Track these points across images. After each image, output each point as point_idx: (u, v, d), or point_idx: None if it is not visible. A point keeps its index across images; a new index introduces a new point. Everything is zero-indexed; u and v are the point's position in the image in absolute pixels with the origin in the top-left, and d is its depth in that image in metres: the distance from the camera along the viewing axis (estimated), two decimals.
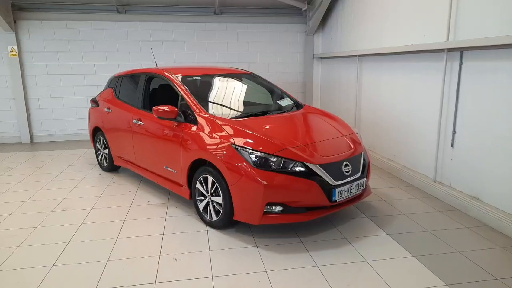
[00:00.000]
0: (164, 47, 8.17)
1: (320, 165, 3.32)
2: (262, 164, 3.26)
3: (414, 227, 3.69)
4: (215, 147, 3.51)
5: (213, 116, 3.84)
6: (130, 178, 5.35)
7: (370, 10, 6.14)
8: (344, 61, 7.30)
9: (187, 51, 8.31)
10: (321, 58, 8.54)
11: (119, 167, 5.61)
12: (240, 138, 3.45)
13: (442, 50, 4.32)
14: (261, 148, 3.33)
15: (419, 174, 4.92)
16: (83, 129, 8.09)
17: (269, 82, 5.09)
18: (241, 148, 3.35)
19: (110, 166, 5.57)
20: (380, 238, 3.47)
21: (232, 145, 3.40)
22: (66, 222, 3.90)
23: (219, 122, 3.71)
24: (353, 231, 3.62)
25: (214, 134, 3.61)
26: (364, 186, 3.70)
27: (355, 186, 3.54)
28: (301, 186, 3.23)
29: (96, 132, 5.81)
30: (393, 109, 5.52)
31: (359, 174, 3.63)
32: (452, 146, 4.34)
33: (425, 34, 4.68)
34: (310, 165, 3.29)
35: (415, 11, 4.88)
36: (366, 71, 6.37)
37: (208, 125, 3.73)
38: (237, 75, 4.95)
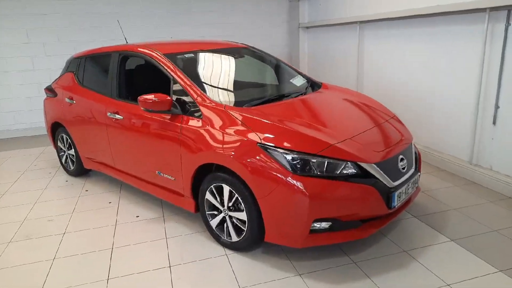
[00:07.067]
0: (131, 22, 6.91)
1: (375, 164, 2.54)
2: (302, 168, 2.43)
3: (477, 227, 3.05)
4: (232, 146, 2.63)
5: (222, 104, 2.92)
6: (106, 183, 4.34)
7: None
8: (338, 29, 6.46)
9: (156, 25, 7.11)
10: (307, 27, 7.66)
11: (90, 170, 4.55)
12: (267, 134, 2.58)
13: (483, 10, 3.62)
14: (298, 147, 2.48)
15: (449, 156, 4.30)
16: (37, 122, 6.80)
17: (272, 56, 4.17)
18: (271, 148, 2.49)
19: (79, 170, 4.51)
20: (446, 246, 2.79)
21: (258, 144, 2.53)
22: (32, 259, 2.90)
23: (232, 113, 2.81)
24: (408, 239, 2.92)
25: (228, 130, 2.71)
26: (418, 183, 2.99)
27: (411, 184, 2.82)
28: (355, 193, 2.45)
29: (56, 128, 4.67)
30: (410, 83, 4.81)
31: (413, 169, 2.90)
32: (493, 123, 3.73)
33: None
34: (364, 165, 2.50)
35: None
36: (370, 40, 5.59)
37: (217, 117, 2.82)
38: (234, 50, 3.99)
